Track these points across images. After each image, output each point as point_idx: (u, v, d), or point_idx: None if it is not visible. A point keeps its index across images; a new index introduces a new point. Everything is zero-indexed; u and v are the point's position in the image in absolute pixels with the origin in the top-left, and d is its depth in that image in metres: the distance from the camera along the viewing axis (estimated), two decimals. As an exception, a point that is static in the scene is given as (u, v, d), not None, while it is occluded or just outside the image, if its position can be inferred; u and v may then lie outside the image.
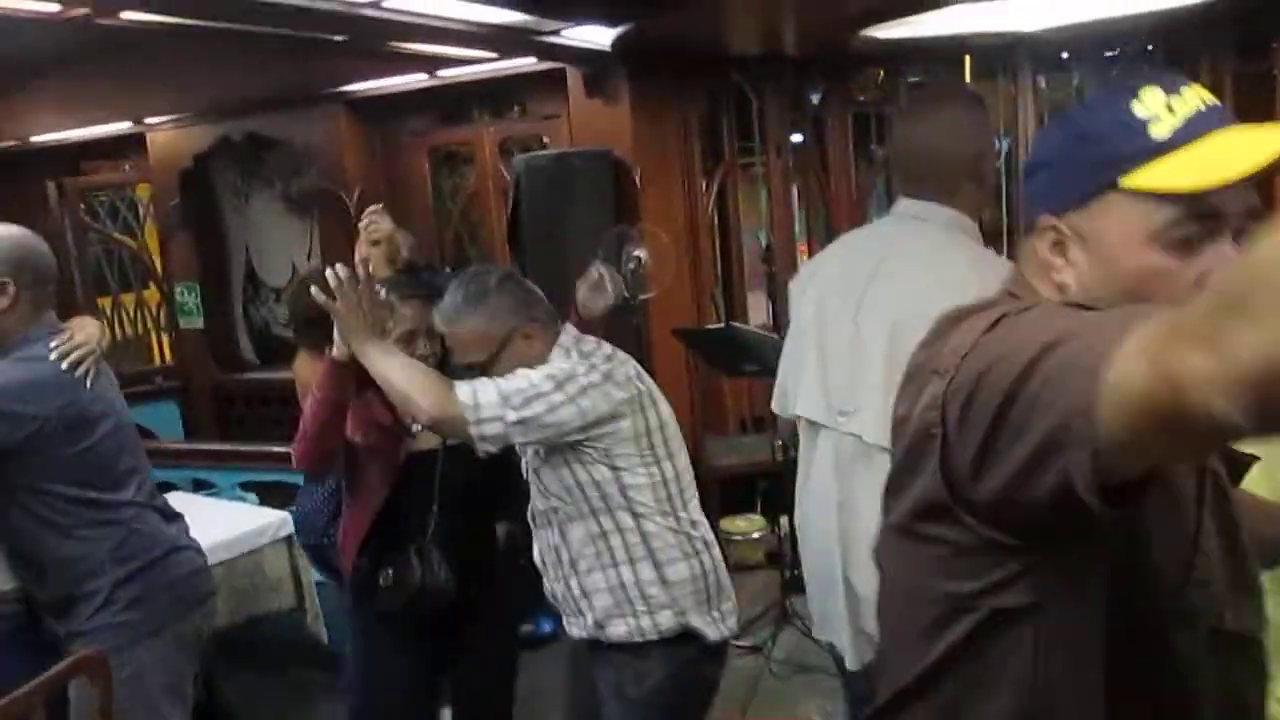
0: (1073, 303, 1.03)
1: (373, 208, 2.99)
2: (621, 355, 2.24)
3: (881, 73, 5.26)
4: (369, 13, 3.12)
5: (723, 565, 2.32)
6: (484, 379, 2.11)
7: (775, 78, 5.12)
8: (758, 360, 3.67)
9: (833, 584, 2.14)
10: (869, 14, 3.95)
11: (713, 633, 2.24)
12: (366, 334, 2.14)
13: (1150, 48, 4.65)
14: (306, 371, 2.88)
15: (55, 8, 2.71)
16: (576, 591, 2.23)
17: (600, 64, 4.39)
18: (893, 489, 1.15)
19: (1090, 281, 1.06)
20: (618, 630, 2.20)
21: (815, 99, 5.27)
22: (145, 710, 2.32)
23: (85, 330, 2.34)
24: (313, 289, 2.14)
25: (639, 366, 2.27)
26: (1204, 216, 1.01)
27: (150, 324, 6.87)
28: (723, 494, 4.78)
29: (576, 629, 2.28)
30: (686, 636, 2.21)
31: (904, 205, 2.08)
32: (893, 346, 1.92)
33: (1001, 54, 4.88)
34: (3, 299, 2.22)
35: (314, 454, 2.39)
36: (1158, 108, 1.03)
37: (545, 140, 5.00)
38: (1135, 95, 1.04)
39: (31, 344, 2.24)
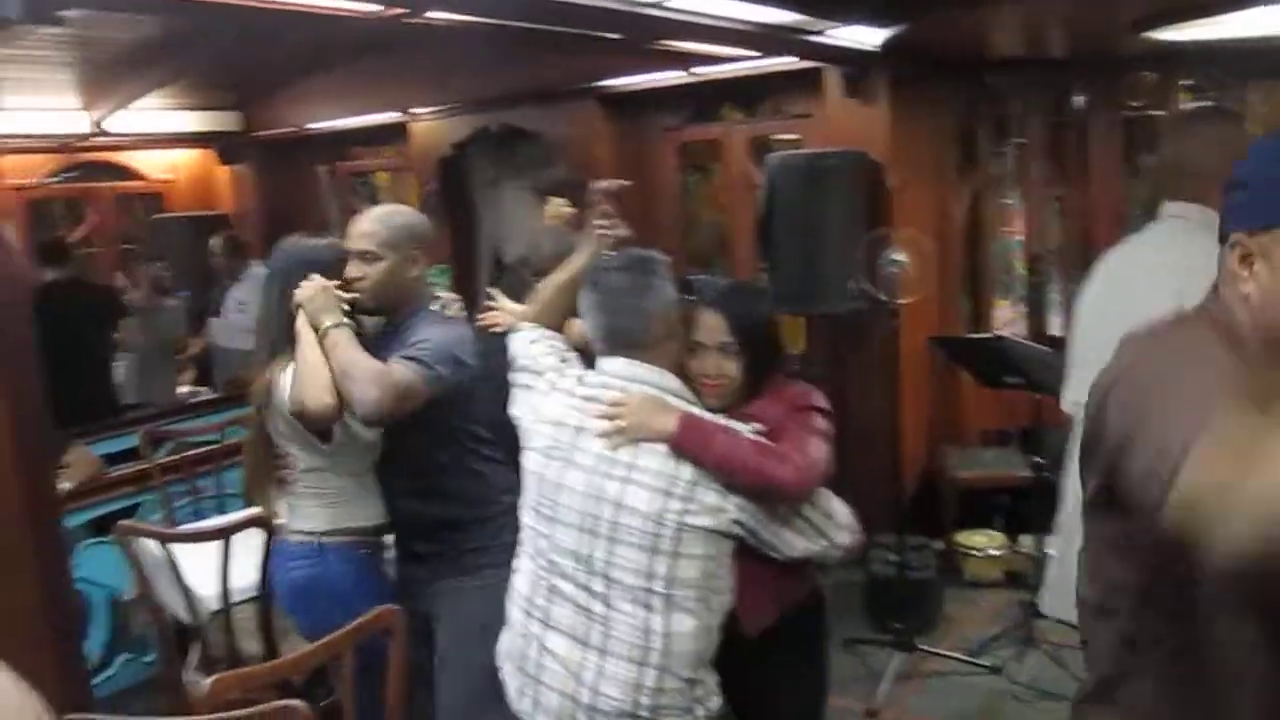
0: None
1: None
2: None
3: (1153, 76, 4.97)
4: (650, 11, 3.19)
5: None
6: None
7: (1037, 80, 4.93)
8: (1022, 373, 3.55)
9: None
10: (1159, 15, 3.73)
11: None
12: None
13: None
14: None
15: (377, 7, 2.91)
16: None
17: (861, 64, 4.33)
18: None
19: (1269, 295, 1.17)
20: None
21: (1079, 102, 5.04)
22: (498, 625, 2.52)
23: (446, 296, 2.71)
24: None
25: None
26: None
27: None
28: (960, 507, 4.65)
29: None
30: None
31: (1166, 207, 2.32)
32: (1111, 321, 2.17)
33: (1294, 57, 4.52)
34: (416, 269, 2.52)
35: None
36: None
37: (797, 138, 4.98)
38: None
39: (428, 308, 2.55)
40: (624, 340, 2.02)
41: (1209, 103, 4.63)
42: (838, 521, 2.01)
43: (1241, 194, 1.20)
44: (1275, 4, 3.51)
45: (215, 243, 5.95)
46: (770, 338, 2.13)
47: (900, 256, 3.70)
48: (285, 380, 2.38)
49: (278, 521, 2.68)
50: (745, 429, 1.96)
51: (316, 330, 2.36)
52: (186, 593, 2.98)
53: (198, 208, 7.18)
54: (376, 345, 2.43)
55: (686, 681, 1.94)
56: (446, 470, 2.53)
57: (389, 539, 2.68)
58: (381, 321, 2.57)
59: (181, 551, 2.99)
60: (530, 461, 2.10)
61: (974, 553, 4.54)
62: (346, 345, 2.32)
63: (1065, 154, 5.07)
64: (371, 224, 2.48)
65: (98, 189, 7.01)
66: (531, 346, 2.21)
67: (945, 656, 3.92)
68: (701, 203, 5.54)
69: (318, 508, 2.53)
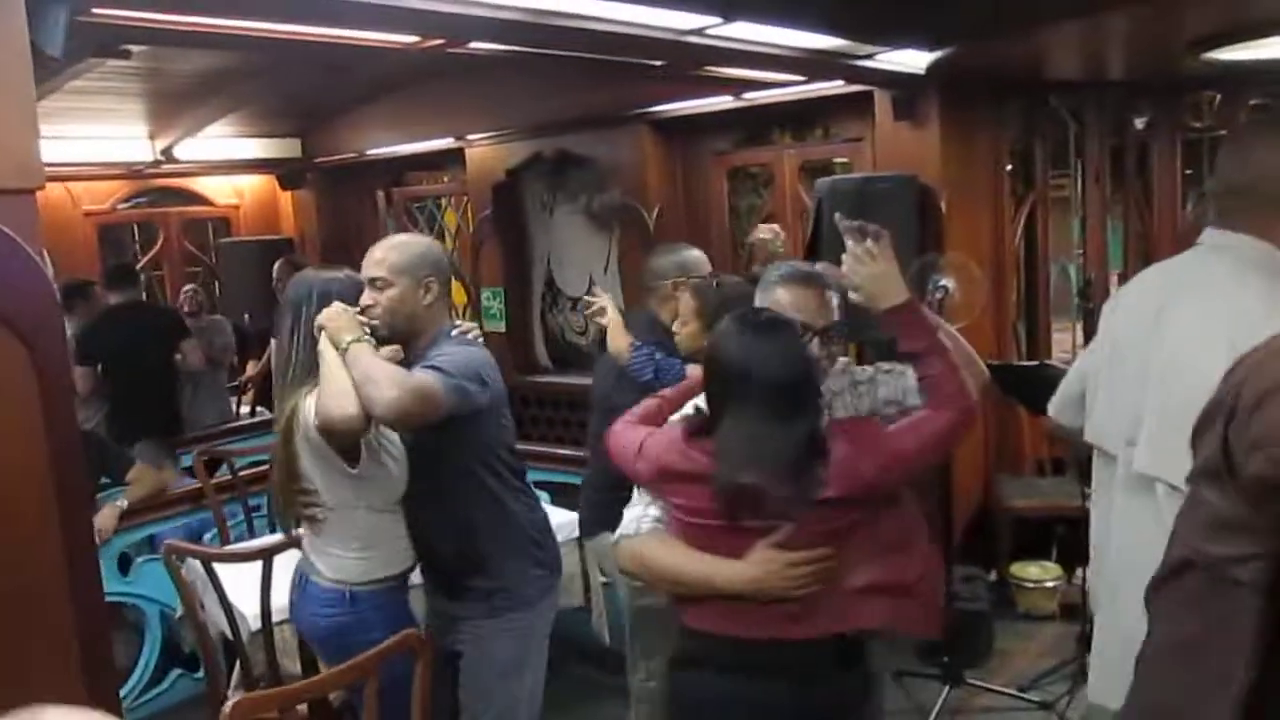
0: None
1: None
2: None
3: (1217, 97, 4.85)
4: (699, 39, 3.20)
5: None
6: None
7: (1096, 101, 4.83)
8: (1070, 402, 3.46)
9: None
10: (1218, 35, 3.64)
11: None
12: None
13: None
14: None
15: (414, 39, 2.96)
16: None
17: (911, 87, 4.29)
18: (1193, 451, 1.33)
19: None
20: None
21: (1140, 124, 4.93)
22: (525, 665, 2.57)
23: (464, 324, 2.66)
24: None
25: None
26: None
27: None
28: (1015, 537, 4.55)
29: None
30: None
31: (1208, 235, 1.99)
32: (1167, 377, 1.89)
33: (1366, 75, 4.38)
34: (429, 295, 2.49)
35: None
36: None
37: (848, 162, 4.94)
38: None
39: (449, 334, 2.52)
40: None
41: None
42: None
43: None
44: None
45: (277, 266, 6.08)
46: None
47: (948, 281, 3.64)
48: (310, 406, 2.37)
49: (306, 562, 2.60)
50: None
51: (338, 350, 2.35)
52: (229, 611, 3.02)
53: (263, 232, 7.36)
54: None
55: None
56: (471, 501, 2.50)
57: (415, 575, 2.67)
58: (399, 352, 2.50)
59: (226, 571, 3.04)
60: None
61: (1028, 584, 4.43)
62: (367, 355, 2.31)
63: (1126, 175, 4.96)
64: (384, 251, 2.49)
65: (166, 214, 7.22)
66: None
67: (995, 691, 3.83)
68: (752, 227, 5.52)
69: (347, 555, 2.48)
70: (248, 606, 3.04)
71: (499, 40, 3.03)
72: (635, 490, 2.11)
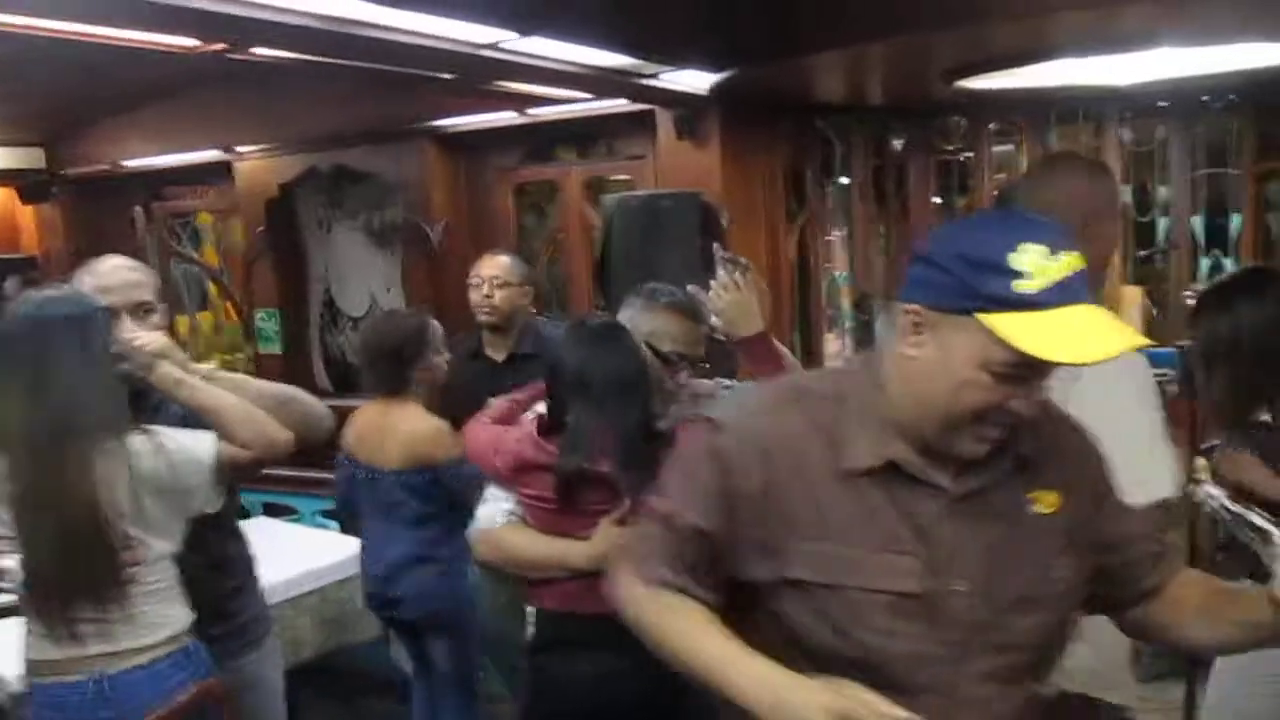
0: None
1: None
2: None
3: (963, 121, 5.29)
4: (484, 53, 3.18)
5: None
6: None
7: (859, 124, 5.16)
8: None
9: None
10: (966, 66, 3.98)
11: None
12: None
13: (1235, 100, 4.67)
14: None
15: (193, 42, 2.79)
16: None
17: (693, 106, 4.43)
18: None
19: (926, 365, 1.28)
20: None
21: (898, 145, 5.30)
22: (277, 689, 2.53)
23: None
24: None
25: None
26: (1032, 366, 1.23)
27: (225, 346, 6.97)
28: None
29: None
30: None
31: None
32: None
33: (1085, 105, 4.90)
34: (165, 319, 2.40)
35: None
36: (1032, 265, 1.20)
37: (630, 180, 5.04)
38: (1016, 247, 1.21)
39: None
40: None
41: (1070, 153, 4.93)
42: None
43: (929, 269, 1.28)
44: (1066, 58, 3.80)
45: (9, 285, 5.58)
46: None
47: (736, 295, 3.77)
48: (167, 445, 2.10)
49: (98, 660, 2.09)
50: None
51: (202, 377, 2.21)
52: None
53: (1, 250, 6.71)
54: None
55: None
56: (224, 530, 2.40)
57: None
58: None
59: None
60: None
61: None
62: (248, 377, 2.31)
63: (886, 193, 5.32)
64: (135, 273, 2.36)
65: (-118, 231, 6.46)
66: None
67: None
68: (539, 244, 5.54)
69: (171, 607, 2.17)
70: (7, 667, 2.75)
71: (288, 47, 2.90)
72: (488, 487, 2.31)
